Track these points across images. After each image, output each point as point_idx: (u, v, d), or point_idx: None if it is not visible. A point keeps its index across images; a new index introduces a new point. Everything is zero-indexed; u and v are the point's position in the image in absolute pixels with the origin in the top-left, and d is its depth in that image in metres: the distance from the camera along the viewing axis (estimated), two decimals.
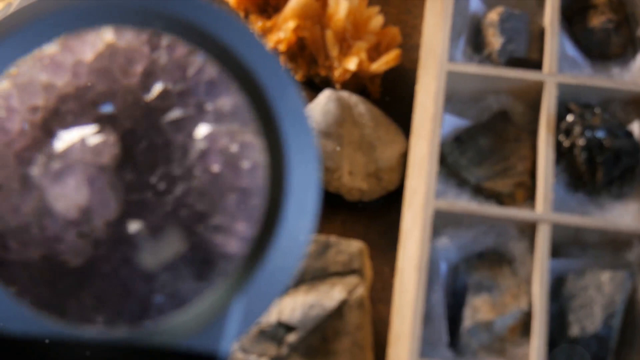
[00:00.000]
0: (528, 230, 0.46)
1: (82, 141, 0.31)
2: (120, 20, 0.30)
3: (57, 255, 0.32)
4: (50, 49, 0.30)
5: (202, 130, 0.30)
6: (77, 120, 0.32)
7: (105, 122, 0.31)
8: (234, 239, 0.29)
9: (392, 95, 0.58)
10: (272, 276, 0.30)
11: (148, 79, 0.31)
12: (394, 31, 0.56)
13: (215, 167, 0.30)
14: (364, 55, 0.54)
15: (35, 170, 0.31)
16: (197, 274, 0.29)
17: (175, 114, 0.30)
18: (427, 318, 0.44)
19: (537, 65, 0.53)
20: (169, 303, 0.30)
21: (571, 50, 0.54)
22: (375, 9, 0.56)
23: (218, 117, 0.30)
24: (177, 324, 0.30)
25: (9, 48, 0.28)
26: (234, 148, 0.29)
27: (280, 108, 0.29)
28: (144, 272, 0.30)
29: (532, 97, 0.51)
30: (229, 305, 0.30)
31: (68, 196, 0.30)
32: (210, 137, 0.29)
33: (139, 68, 0.31)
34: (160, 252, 0.30)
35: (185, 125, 0.31)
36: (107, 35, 0.30)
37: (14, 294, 0.29)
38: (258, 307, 0.30)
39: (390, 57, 0.54)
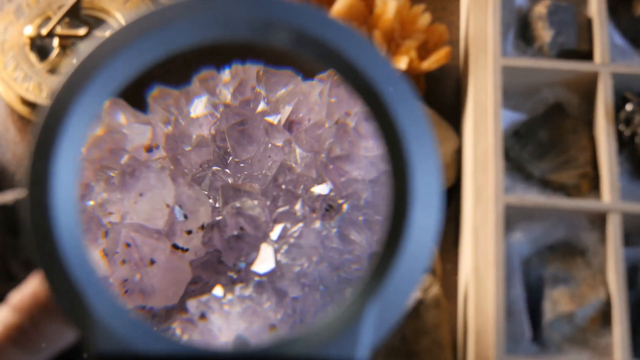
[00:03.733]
0: (598, 220, 0.46)
1: None
2: (236, 31, 0.30)
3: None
4: None
5: None
6: None
7: None
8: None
9: (433, 92, 0.58)
10: (402, 280, 0.30)
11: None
12: (441, 28, 0.56)
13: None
14: (414, 54, 0.54)
15: None
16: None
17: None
18: (508, 314, 0.44)
19: (586, 56, 0.53)
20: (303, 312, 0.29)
21: (619, 39, 0.54)
22: (421, 7, 0.56)
23: None
24: (311, 334, 0.29)
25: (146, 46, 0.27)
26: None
27: (400, 113, 0.29)
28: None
29: (586, 88, 0.52)
30: (363, 312, 0.29)
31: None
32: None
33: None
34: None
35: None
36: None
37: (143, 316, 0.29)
38: (391, 312, 0.29)
39: (441, 55, 0.54)
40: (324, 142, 0.29)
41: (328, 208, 0.30)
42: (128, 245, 0.28)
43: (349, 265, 0.30)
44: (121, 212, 0.27)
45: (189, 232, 0.28)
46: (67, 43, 0.56)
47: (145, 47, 0.28)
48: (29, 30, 0.56)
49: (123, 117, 0.28)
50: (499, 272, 0.44)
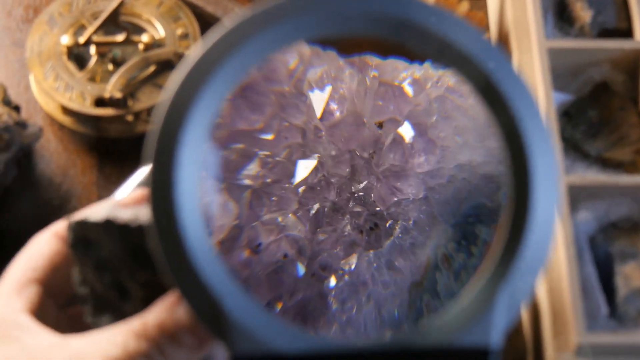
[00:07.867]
0: None
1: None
2: (347, 27, 0.30)
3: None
4: None
5: None
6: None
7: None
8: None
9: None
10: (529, 263, 0.30)
11: None
12: (480, 15, 0.56)
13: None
14: None
15: None
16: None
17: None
18: (583, 292, 0.44)
19: (625, 34, 0.54)
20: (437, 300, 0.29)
21: None
22: None
23: None
24: (445, 321, 0.30)
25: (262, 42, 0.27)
26: None
27: (513, 96, 0.29)
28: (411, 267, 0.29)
29: (629, 66, 0.52)
30: (494, 298, 0.29)
31: None
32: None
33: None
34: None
35: None
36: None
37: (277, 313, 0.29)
38: (520, 296, 0.30)
39: None
40: (368, 146, 0.28)
41: (373, 227, 0.29)
42: (259, 245, 0.28)
43: (391, 303, 0.29)
44: None
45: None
46: (105, 50, 0.56)
47: (264, 42, 0.28)
48: (66, 40, 0.55)
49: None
50: (569, 251, 0.44)
